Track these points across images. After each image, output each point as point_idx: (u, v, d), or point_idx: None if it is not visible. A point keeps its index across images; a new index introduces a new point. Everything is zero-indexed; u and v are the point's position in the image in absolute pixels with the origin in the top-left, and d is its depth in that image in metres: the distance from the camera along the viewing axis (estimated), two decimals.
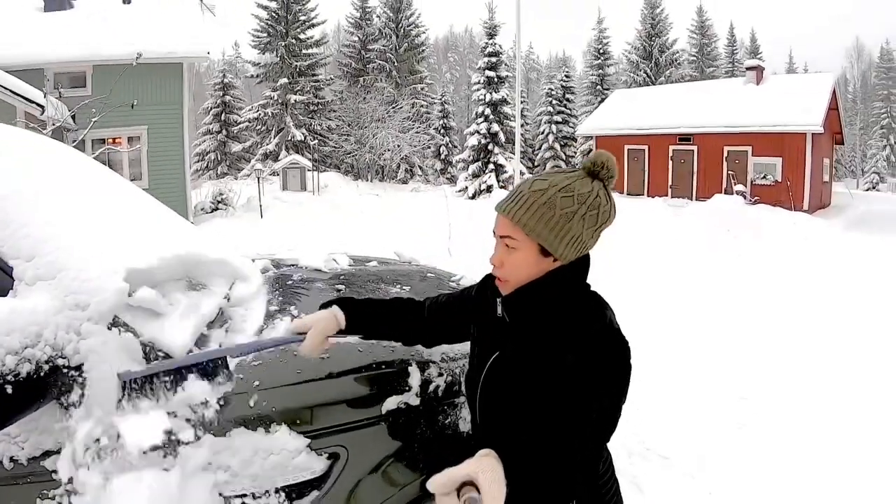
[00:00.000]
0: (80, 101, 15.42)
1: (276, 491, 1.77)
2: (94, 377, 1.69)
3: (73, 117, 15.32)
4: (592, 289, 1.68)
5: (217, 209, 22.36)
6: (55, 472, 1.68)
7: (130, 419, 1.67)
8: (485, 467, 1.37)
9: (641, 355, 5.51)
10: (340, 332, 1.92)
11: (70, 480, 1.67)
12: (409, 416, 2.00)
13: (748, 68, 28.80)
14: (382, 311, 2.01)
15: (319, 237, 12.70)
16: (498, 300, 1.69)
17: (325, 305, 1.96)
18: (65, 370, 1.66)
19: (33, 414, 1.63)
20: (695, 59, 52.40)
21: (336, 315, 1.91)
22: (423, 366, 2.09)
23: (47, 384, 1.62)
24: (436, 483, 1.38)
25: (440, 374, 2.11)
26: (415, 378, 2.05)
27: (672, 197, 26.43)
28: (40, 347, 1.61)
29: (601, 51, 47.78)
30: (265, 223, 18.81)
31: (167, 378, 1.73)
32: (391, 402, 1.98)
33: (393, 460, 1.93)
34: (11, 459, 1.68)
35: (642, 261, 10.76)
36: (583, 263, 1.65)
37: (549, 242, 1.55)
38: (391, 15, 45.72)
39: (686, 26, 54.01)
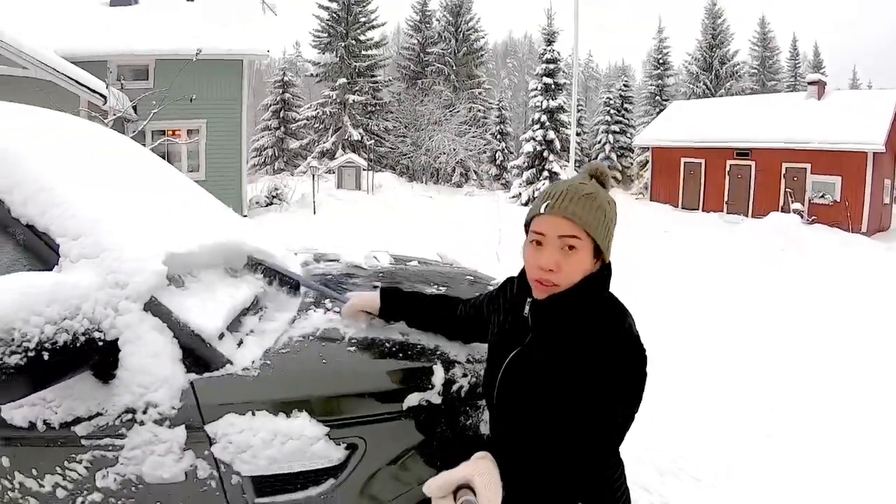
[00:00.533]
0: (142, 94, 15.86)
1: (293, 475, 1.82)
2: (127, 351, 1.77)
3: (135, 108, 15.76)
4: (614, 294, 1.69)
5: (271, 203, 22.73)
6: (84, 437, 1.77)
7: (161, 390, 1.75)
8: (481, 470, 1.38)
9: (679, 365, 5.45)
10: (382, 317, 2.19)
11: (98, 447, 1.77)
12: (430, 413, 2.00)
13: (810, 83, 27.78)
14: (423, 304, 2.19)
15: (370, 235, 12.83)
16: (528, 300, 1.69)
17: (376, 289, 2.23)
18: (100, 343, 1.74)
19: (68, 381, 1.72)
20: (756, 71, 51.10)
21: (374, 297, 2.18)
22: (448, 365, 2.10)
23: (83, 354, 1.70)
24: (432, 486, 1.39)
25: (464, 375, 2.11)
26: (438, 377, 2.05)
27: (727, 213, 25.89)
28: (78, 320, 1.69)
29: (661, 61, 46.90)
30: (318, 219, 19.04)
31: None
32: (413, 399, 1.99)
33: (410, 456, 1.94)
34: (45, 422, 1.77)
35: (694, 274, 10.62)
36: (609, 267, 1.67)
37: (604, 243, 1.61)
38: (450, 19, 45.83)
39: (748, 38, 52.70)
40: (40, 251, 1.85)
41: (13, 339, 1.54)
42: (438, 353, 2.14)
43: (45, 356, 1.59)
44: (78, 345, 1.67)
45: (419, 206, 24.69)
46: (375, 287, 2.87)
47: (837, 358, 6.38)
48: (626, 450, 3.35)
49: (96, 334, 1.72)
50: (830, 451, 4.29)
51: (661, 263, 11.60)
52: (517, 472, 1.42)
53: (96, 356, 1.73)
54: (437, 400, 2.02)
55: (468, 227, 15.75)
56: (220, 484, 1.80)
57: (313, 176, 23.82)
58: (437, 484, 1.38)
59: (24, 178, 1.90)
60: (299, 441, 1.80)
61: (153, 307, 1.85)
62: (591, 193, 1.60)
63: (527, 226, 1.69)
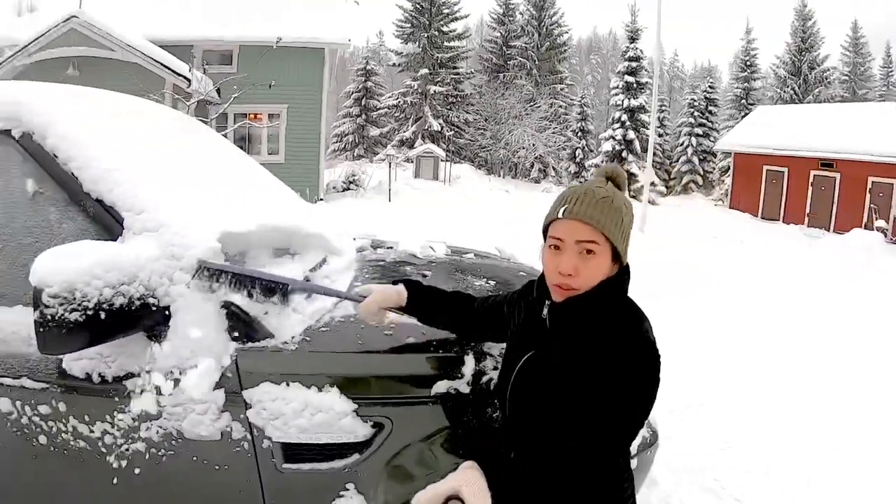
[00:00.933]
0: (226, 77, 16.40)
1: (320, 446, 1.95)
2: (178, 319, 1.96)
3: (218, 92, 16.30)
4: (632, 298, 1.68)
5: (348, 189, 23.17)
6: (133, 392, 1.97)
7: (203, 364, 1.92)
8: (469, 480, 1.38)
9: (750, 378, 5.42)
10: (401, 309, 2.07)
11: (145, 400, 1.96)
12: (458, 401, 2.06)
13: None
14: (440, 300, 2.11)
15: (442, 225, 12.96)
16: (546, 302, 1.68)
17: (395, 282, 2.10)
18: (154, 308, 1.94)
19: (122, 340, 1.92)
20: (847, 78, 48.84)
21: (399, 291, 2.05)
22: (480, 357, 2.15)
23: (137, 317, 1.90)
24: (421, 499, 1.40)
25: (495, 368, 2.14)
26: (468, 367, 2.10)
27: (808, 225, 24.88)
28: (135, 286, 1.89)
29: (748, 63, 45.49)
30: (392, 207, 19.30)
31: (235, 279, 2.00)
32: (442, 386, 2.06)
33: (435, 441, 2.00)
34: (100, 375, 1.99)
35: (767, 287, 10.39)
36: (628, 271, 1.66)
37: (622, 247, 1.60)
38: (534, 13, 45.56)
39: (839, 42, 50.39)
40: (107, 223, 2.05)
41: (74, 299, 1.73)
42: (471, 343, 2.19)
43: (102, 315, 1.77)
44: (133, 308, 1.86)
45: (495, 200, 24.71)
46: (423, 276, 2.97)
47: None
48: (669, 458, 3.37)
49: (150, 300, 1.92)
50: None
51: (734, 274, 11.37)
52: (523, 472, 1.45)
53: (149, 320, 1.92)
54: (465, 389, 2.07)
55: (542, 223, 15.73)
56: (251, 446, 1.96)
57: (390, 164, 24.14)
58: (427, 496, 1.39)
59: (96, 157, 2.09)
60: (328, 414, 1.93)
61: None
62: (607, 197, 1.58)
63: (545, 230, 1.68)
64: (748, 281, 10.77)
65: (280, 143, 20.49)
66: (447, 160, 32.08)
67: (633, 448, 2.48)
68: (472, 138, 42.58)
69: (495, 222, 16.20)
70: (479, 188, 29.45)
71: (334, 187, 23.13)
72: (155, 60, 16.65)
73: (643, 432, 2.62)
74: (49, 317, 1.71)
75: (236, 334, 2.01)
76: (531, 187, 36.86)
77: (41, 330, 1.72)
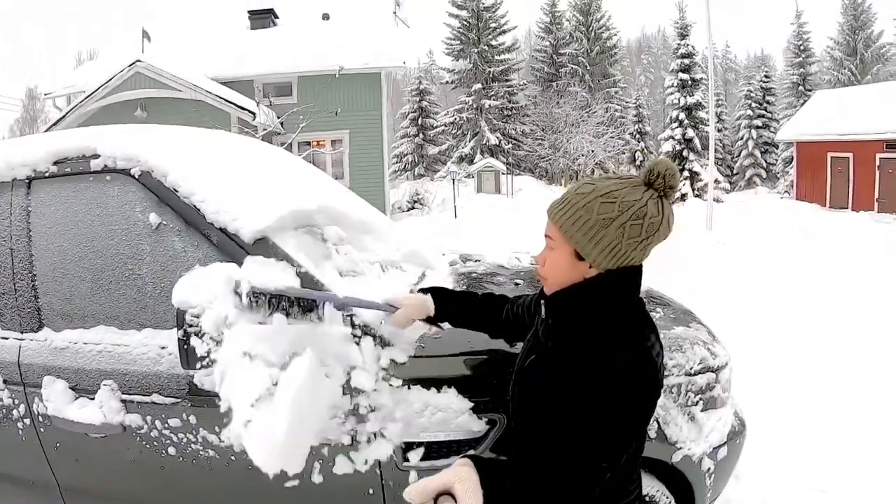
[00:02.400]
0: (287, 109, 16.92)
1: (438, 444, 2.08)
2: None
3: (282, 123, 16.81)
4: (643, 307, 1.63)
5: (413, 208, 23.45)
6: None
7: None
8: (462, 476, 1.37)
9: (817, 372, 5.25)
10: (430, 319, 2.09)
11: None
12: None
13: None
14: (469, 304, 2.11)
15: (511, 238, 13.00)
16: (542, 301, 1.69)
17: (424, 291, 2.11)
18: None
19: None
20: None
21: (427, 303, 2.06)
22: None
23: None
24: (412, 493, 1.38)
25: None
26: None
27: (879, 211, 23.59)
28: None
29: (801, 48, 43.97)
30: (459, 223, 19.41)
31: (273, 298, 2.03)
32: None
33: None
34: None
35: (842, 279, 10.10)
36: (630, 277, 1.59)
37: (582, 246, 1.53)
38: (581, 18, 45.52)
39: (893, 16, 47.89)
40: (230, 250, 2.23)
41: None
42: None
43: None
44: None
45: None
46: (517, 284, 3.09)
47: None
48: (756, 454, 3.35)
49: None
50: None
51: (809, 269, 11.10)
52: (503, 475, 1.41)
53: None
54: None
55: None
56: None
57: (453, 181, 24.31)
58: (418, 490, 1.37)
59: (215, 191, 2.27)
60: (446, 413, 2.06)
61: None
62: (581, 193, 1.55)
63: None
64: (823, 275, 10.51)
65: (344, 168, 20.88)
66: (508, 173, 32.18)
67: (724, 436, 2.56)
68: (530, 149, 42.60)
69: None
70: (542, 198, 29.41)
71: (399, 207, 23.45)
72: (219, 97, 17.30)
73: (732, 421, 2.68)
74: (192, 335, 1.87)
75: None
76: None
77: (185, 347, 1.88)
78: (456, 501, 1.34)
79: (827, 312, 7.83)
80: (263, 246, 2.22)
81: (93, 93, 17.10)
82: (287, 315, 2.02)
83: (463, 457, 1.44)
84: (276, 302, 2.01)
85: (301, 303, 2.06)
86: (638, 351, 1.50)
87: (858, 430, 4.47)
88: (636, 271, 1.59)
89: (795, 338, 6.65)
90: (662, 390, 2.30)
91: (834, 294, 8.89)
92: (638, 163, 41.24)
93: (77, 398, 2.32)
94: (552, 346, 1.62)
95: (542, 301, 1.68)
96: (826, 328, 7.04)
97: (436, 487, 1.36)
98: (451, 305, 2.09)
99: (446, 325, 2.13)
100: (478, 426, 2.08)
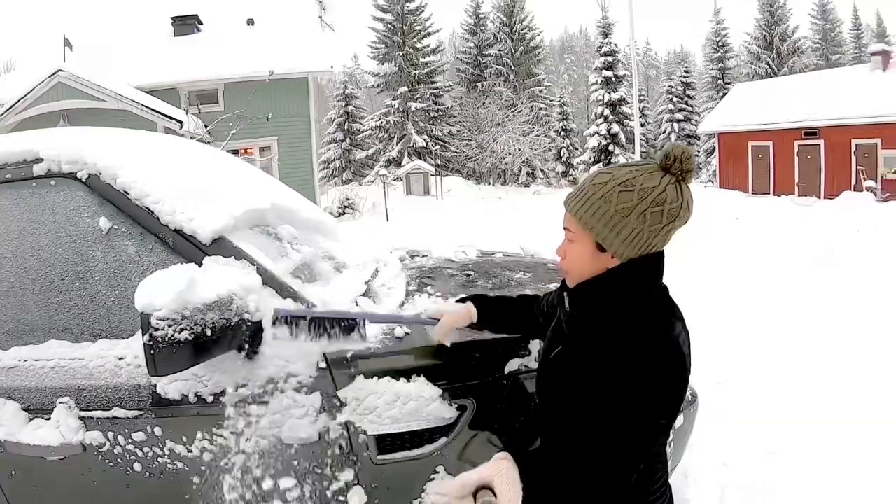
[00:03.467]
0: (213, 116, 16.64)
1: (411, 434, 2.06)
2: (270, 331, 2.06)
3: (209, 131, 16.53)
4: (667, 292, 1.61)
5: (344, 213, 23.34)
6: (231, 406, 2.06)
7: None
8: (501, 471, 1.37)
9: (757, 345, 5.40)
10: (473, 326, 2.11)
11: (243, 414, 2.05)
12: (528, 378, 2.17)
13: (873, 53, 25.95)
14: (508, 308, 2.13)
15: (446, 237, 13.03)
16: (565, 294, 1.67)
17: (462, 300, 2.14)
18: (248, 323, 2.02)
19: (217, 358, 2.00)
20: (819, 45, 49.07)
21: (471, 311, 2.08)
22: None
23: (236, 332, 1.98)
24: (452, 486, 1.39)
25: None
26: (535, 344, 2.23)
27: (799, 195, 24.75)
28: (234, 303, 1.98)
29: (720, 43, 45.29)
30: (391, 226, 19.40)
31: (312, 323, 2.04)
32: (513, 364, 2.20)
33: (510, 417, 2.13)
34: (195, 395, 2.08)
35: (769, 260, 10.45)
36: (653, 263, 1.57)
37: (604, 237, 1.51)
38: (504, 19, 45.88)
39: (807, 12, 50.51)
40: (188, 251, 2.17)
41: (182, 319, 1.83)
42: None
43: (208, 333, 1.88)
44: (232, 324, 1.95)
45: (488, 207, 24.85)
46: (468, 275, 3.12)
47: None
48: (705, 425, 3.42)
49: (245, 315, 2.00)
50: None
51: (735, 251, 11.46)
52: (541, 468, 1.43)
53: (245, 334, 2.02)
54: (534, 365, 2.17)
55: (540, 222, 15.81)
56: (348, 443, 2.06)
57: (383, 184, 24.30)
58: (458, 484, 1.38)
59: (168, 191, 2.21)
60: (417, 402, 2.04)
61: (291, 293, 2.16)
62: (598, 183, 1.53)
63: None
64: (749, 256, 10.87)
65: (274, 175, 20.53)
66: (436, 174, 32.29)
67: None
68: (458, 150, 42.81)
69: (494, 227, 16.35)
70: (471, 197, 29.65)
71: (331, 213, 23.26)
72: (145, 106, 16.87)
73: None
74: (159, 339, 1.79)
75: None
76: (522, 191, 37.09)
77: (151, 353, 1.80)
78: (495, 496, 1.34)
79: (760, 289, 8.12)
80: (221, 246, 2.18)
81: (13, 105, 16.40)
82: (329, 337, 2.05)
83: (501, 450, 1.45)
84: (315, 326, 2.03)
85: (342, 323, 2.07)
86: (664, 339, 1.47)
87: (804, 395, 4.69)
88: (659, 257, 1.58)
89: (733, 315, 6.89)
90: None
91: (764, 271, 9.22)
92: (564, 159, 41.83)
93: (31, 419, 2.18)
94: (578, 338, 1.60)
95: (566, 293, 1.66)
96: (759, 304, 7.31)
97: (475, 482, 1.37)
98: (493, 311, 2.11)
99: (486, 333, 2.16)
100: (449, 413, 2.07)
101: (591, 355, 1.50)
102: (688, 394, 2.71)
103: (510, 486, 1.34)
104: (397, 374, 2.08)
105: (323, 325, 2.04)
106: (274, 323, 2.00)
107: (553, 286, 2.30)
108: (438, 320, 2.09)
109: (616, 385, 1.42)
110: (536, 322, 2.04)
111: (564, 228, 1.60)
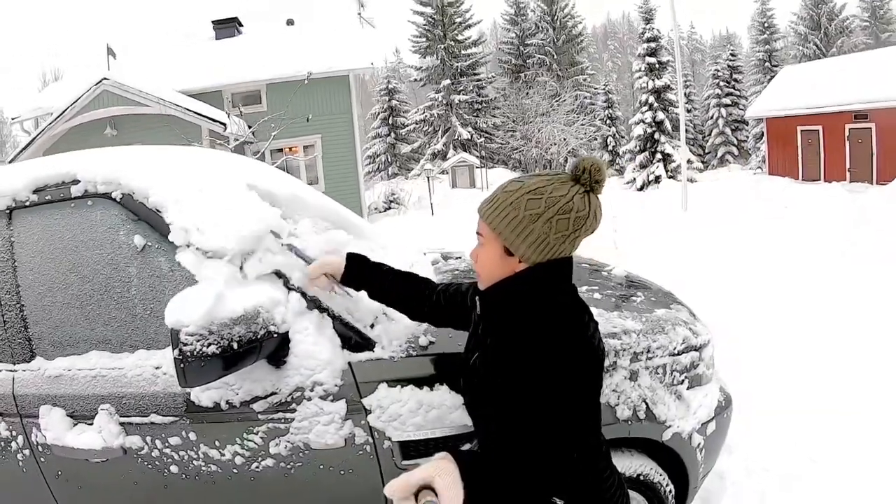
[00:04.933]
0: (257, 117, 16.95)
1: (434, 440, 2.13)
2: (297, 340, 2.17)
3: (253, 132, 16.82)
4: (575, 294, 1.69)
5: (389, 208, 23.49)
6: (261, 413, 2.17)
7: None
8: (441, 471, 1.40)
9: (803, 345, 5.30)
10: (345, 283, 2.21)
11: (272, 420, 2.16)
12: None
13: None
14: (387, 277, 2.18)
15: None
16: (476, 298, 1.77)
17: (349, 255, 2.22)
18: (275, 335, 2.12)
19: (248, 367, 2.10)
20: (868, 24, 47.67)
21: (340, 263, 2.18)
22: None
23: (264, 344, 2.08)
24: (394, 487, 1.41)
25: None
26: None
27: (850, 181, 23.80)
28: (261, 317, 2.08)
29: (766, 25, 44.37)
30: (436, 220, 19.44)
31: None
32: None
33: None
34: (227, 402, 2.19)
35: (819, 250, 10.23)
36: (560, 268, 1.65)
37: (511, 242, 1.59)
38: (545, 8, 45.52)
39: None
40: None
41: (210, 333, 1.93)
42: None
43: (235, 346, 1.97)
44: (260, 336, 2.05)
45: None
46: None
47: None
48: (746, 427, 3.39)
49: (272, 328, 2.09)
50: None
51: (784, 241, 11.24)
52: (481, 465, 1.46)
53: (272, 345, 2.12)
54: None
55: None
56: (373, 448, 2.16)
57: (428, 178, 24.36)
58: (399, 485, 1.40)
59: (199, 209, 2.33)
60: (440, 410, 2.12)
61: (317, 303, 2.24)
62: (509, 190, 1.62)
63: None
64: (800, 247, 10.64)
65: (318, 172, 20.88)
66: (482, 166, 32.24)
67: (711, 412, 2.63)
68: (503, 141, 42.64)
69: None
70: None
71: (376, 208, 23.47)
72: (189, 110, 17.26)
73: (718, 396, 2.75)
74: (188, 353, 1.89)
75: (350, 347, 2.22)
76: None
77: (181, 366, 1.90)
78: (437, 495, 1.37)
79: (807, 285, 7.95)
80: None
81: (61, 114, 17.03)
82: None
83: (443, 451, 1.49)
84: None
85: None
86: (572, 328, 1.58)
87: (845, 399, 4.52)
88: (566, 262, 1.66)
89: (777, 312, 6.75)
90: (649, 372, 2.38)
91: (812, 266, 9.03)
92: (610, 148, 41.40)
93: (75, 425, 2.32)
94: (492, 341, 1.68)
95: (477, 297, 1.76)
96: (807, 301, 7.13)
97: (417, 481, 1.40)
98: (364, 273, 2.18)
99: (353, 293, 2.24)
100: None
101: (505, 354, 1.60)
102: (721, 398, 2.74)
103: (451, 485, 1.37)
104: (420, 382, 2.16)
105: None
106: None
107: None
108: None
109: (533, 378, 1.51)
110: (434, 307, 2.11)
111: (477, 233, 1.70)
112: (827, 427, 4.07)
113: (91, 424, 2.30)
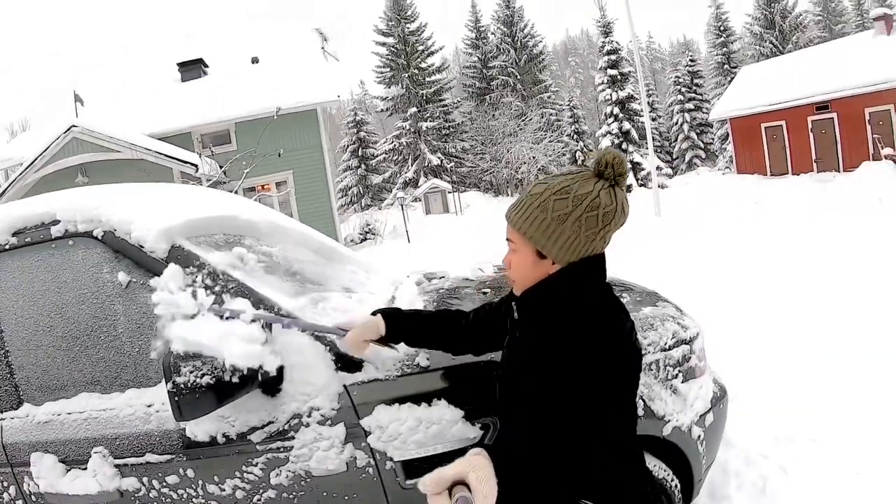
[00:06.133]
0: (227, 157, 16.93)
1: (437, 456, 2.08)
2: (291, 366, 2.14)
3: (224, 172, 16.79)
4: (610, 292, 1.67)
5: (366, 239, 23.46)
6: (259, 443, 2.12)
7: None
8: (476, 465, 1.39)
9: (790, 333, 5.37)
10: (383, 340, 2.10)
11: (271, 450, 2.12)
12: None
13: (875, 19, 25.47)
14: (424, 323, 2.13)
15: (467, 254, 13.09)
16: (513, 303, 1.76)
17: (375, 313, 2.12)
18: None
19: (242, 398, 2.05)
20: (820, 17, 48.80)
21: (379, 324, 2.07)
22: None
23: (257, 374, 2.02)
24: (427, 482, 1.39)
25: None
26: None
27: (818, 171, 24.39)
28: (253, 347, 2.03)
29: (722, 28, 45.32)
30: (413, 247, 19.45)
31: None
32: None
33: None
34: (224, 435, 2.14)
35: (791, 243, 10.36)
36: (594, 265, 1.64)
37: (542, 245, 1.59)
38: (505, 30, 46.06)
39: None
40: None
41: (203, 365, 1.90)
42: None
43: (227, 377, 1.94)
44: (253, 367, 2.00)
45: None
46: (484, 293, 3.15)
47: None
48: (741, 418, 3.41)
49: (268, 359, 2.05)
50: None
51: (757, 235, 11.37)
52: (512, 464, 1.45)
53: (267, 374, 2.04)
54: None
55: None
56: (376, 470, 2.11)
57: (402, 206, 24.39)
58: (433, 479, 1.39)
59: None
60: (440, 425, 2.09)
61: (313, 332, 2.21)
62: (534, 193, 1.61)
63: None
64: (771, 238, 10.77)
65: (292, 208, 20.82)
66: (454, 191, 32.37)
67: (707, 403, 2.64)
68: (473, 164, 42.89)
69: None
70: (491, 211, 29.64)
71: (352, 240, 23.40)
72: (160, 153, 17.22)
73: (713, 388, 2.77)
74: (182, 385, 1.86)
75: (344, 369, 2.18)
76: None
77: (176, 399, 1.87)
78: (470, 490, 1.36)
79: (783, 278, 8.04)
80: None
81: (31, 164, 16.95)
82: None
83: (475, 446, 1.48)
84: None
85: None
86: (606, 327, 1.56)
87: (836, 380, 4.65)
88: (599, 259, 1.64)
89: (756, 309, 6.81)
90: (643, 369, 2.37)
91: (786, 259, 9.14)
92: (580, 162, 41.62)
93: (69, 470, 2.25)
94: (529, 343, 1.66)
95: (514, 302, 1.74)
96: (785, 296, 7.20)
97: (451, 476, 1.38)
98: (403, 325, 2.11)
99: (401, 347, 2.16)
100: (473, 433, 2.11)
101: (541, 355, 1.57)
102: (716, 389, 2.75)
103: (485, 480, 1.36)
104: (417, 399, 2.13)
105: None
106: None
107: None
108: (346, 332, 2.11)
109: (571, 377, 1.48)
110: (466, 337, 2.08)
111: (507, 239, 1.69)
112: (818, 416, 4.12)
113: (85, 469, 2.23)
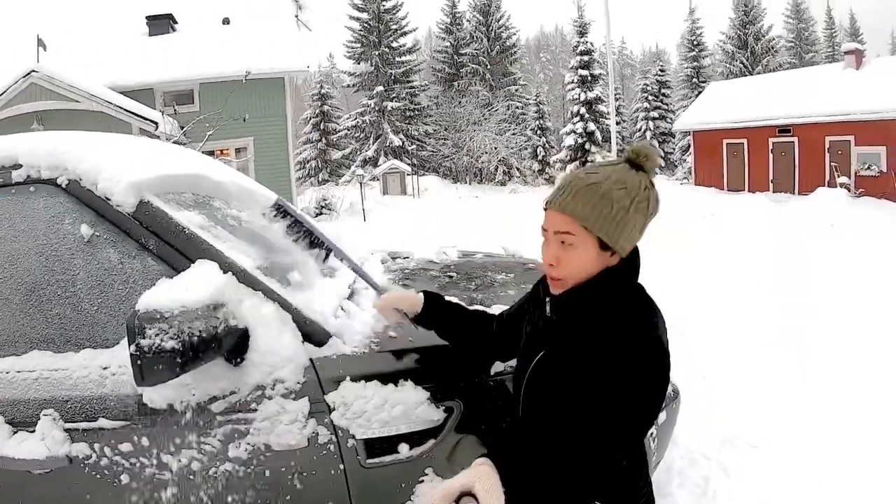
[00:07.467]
0: (188, 117, 16.53)
1: (399, 437, 2.05)
2: (256, 335, 2.06)
3: (185, 132, 16.42)
4: (644, 288, 1.66)
5: (321, 213, 23.22)
6: (220, 413, 2.04)
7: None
8: (481, 476, 1.37)
9: (734, 344, 5.53)
10: (412, 318, 2.11)
11: (231, 422, 2.04)
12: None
13: (846, 52, 26.26)
14: (461, 318, 2.12)
15: (423, 237, 13.06)
16: (547, 299, 1.70)
17: (426, 293, 2.12)
18: (235, 329, 2.01)
19: (204, 365, 1.95)
20: (792, 44, 50.24)
21: (416, 299, 2.09)
22: None
23: (223, 339, 1.95)
24: (434, 496, 1.38)
25: None
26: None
27: (774, 191, 25.14)
28: (221, 311, 1.97)
29: (695, 42, 45.94)
30: (369, 226, 19.35)
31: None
32: (499, 365, 2.22)
33: (497, 417, 2.14)
34: (182, 402, 2.03)
35: (744, 257, 10.58)
36: (635, 260, 1.63)
37: (610, 236, 1.53)
38: (481, 18, 45.99)
39: (781, 11, 51.76)
40: (172, 258, 2.15)
41: (169, 328, 1.79)
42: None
43: (194, 342, 1.83)
44: (220, 331, 1.93)
45: (465, 206, 24.89)
46: (450, 277, 3.13)
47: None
48: (687, 420, 3.48)
49: (232, 322, 1.98)
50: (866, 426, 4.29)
51: (709, 247, 11.57)
52: (522, 467, 1.42)
53: (232, 340, 1.99)
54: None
55: (517, 221, 15.88)
56: (337, 447, 2.05)
57: (360, 184, 24.23)
58: (439, 493, 1.37)
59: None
60: (405, 405, 2.04)
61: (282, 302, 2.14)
62: (594, 183, 1.54)
63: None
64: (722, 252, 10.96)
65: (250, 175, 20.46)
66: (413, 174, 32.28)
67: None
68: (434, 149, 42.84)
69: (472, 226, 16.40)
70: (448, 197, 29.70)
71: (308, 214, 23.16)
72: (120, 107, 16.69)
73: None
74: (145, 348, 1.76)
75: (311, 342, 2.12)
76: (498, 190, 37.17)
77: (138, 362, 1.76)
78: (478, 501, 1.34)
79: (736, 286, 8.21)
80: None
81: None
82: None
83: (481, 456, 1.44)
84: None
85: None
86: (651, 335, 1.52)
87: (782, 392, 4.84)
88: (637, 253, 1.64)
89: (711, 310, 6.97)
90: None
91: (741, 269, 9.31)
92: (540, 157, 41.95)
93: (15, 432, 2.10)
94: (573, 341, 1.58)
95: (548, 299, 1.70)
96: (735, 300, 7.38)
97: (458, 488, 1.36)
98: (441, 312, 2.10)
99: (422, 330, 2.14)
100: (437, 415, 2.08)
101: (585, 356, 1.52)
102: (670, 390, 2.77)
103: (492, 490, 1.34)
104: (384, 377, 2.08)
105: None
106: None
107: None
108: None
109: (612, 381, 1.45)
110: (491, 340, 2.06)
111: (556, 232, 1.58)
112: (762, 426, 4.25)
113: (33, 432, 2.08)
